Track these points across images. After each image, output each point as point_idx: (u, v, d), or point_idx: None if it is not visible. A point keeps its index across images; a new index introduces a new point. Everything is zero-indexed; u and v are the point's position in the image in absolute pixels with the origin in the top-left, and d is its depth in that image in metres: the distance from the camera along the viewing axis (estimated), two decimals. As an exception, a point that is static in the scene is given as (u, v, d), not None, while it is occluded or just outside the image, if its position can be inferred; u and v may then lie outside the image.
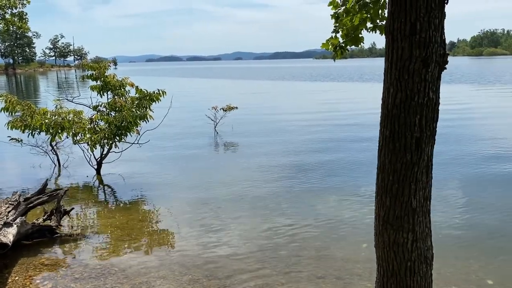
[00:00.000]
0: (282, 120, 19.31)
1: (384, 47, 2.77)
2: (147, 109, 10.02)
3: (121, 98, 10.03)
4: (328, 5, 3.95)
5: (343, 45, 4.02)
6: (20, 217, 6.24)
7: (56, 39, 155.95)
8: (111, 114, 9.95)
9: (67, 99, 10.84)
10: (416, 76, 2.62)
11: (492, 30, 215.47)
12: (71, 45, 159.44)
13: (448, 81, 38.48)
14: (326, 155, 12.03)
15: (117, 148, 10.18)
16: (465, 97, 27.86)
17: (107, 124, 9.76)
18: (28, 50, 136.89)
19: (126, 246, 6.35)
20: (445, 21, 2.65)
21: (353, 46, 4.07)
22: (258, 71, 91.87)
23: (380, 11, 3.74)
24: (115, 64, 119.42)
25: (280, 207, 7.89)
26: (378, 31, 3.83)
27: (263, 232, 6.75)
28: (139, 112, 9.86)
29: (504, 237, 6.49)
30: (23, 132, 9.81)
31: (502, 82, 40.00)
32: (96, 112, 10.13)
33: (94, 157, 10.33)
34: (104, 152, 10.34)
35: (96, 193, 9.37)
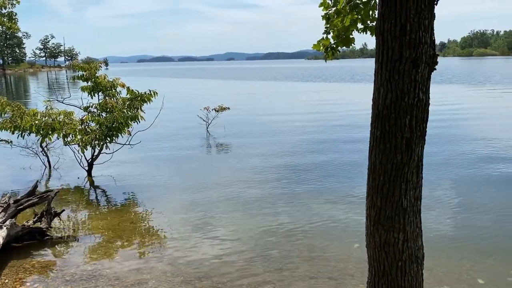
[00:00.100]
0: (275, 120, 19.33)
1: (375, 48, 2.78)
2: (139, 110, 9.98)
3: (112, 99, 9.98)
4: (319, 6, 3.95)
5: (334, 46, 4.02)
6: (10, 219, 6.18)
7: (46, 39, 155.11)
8: (102, 115, 9.88)
9: (57, 100, 10.77)
10: (406, 76, 2.64)
11: (482, 31, 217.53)
12: (61, 45, 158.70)
13: (439, 81, 38.80)
14: (318, 156, 12.06)
15: (108, 149, 10.13)
16: (456, 97, 28.09)
17: (98, 125, 9.70)
18: (18, 51, 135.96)
19: (117, 248, 6.32)
20: (435, 22, 2.67)
21: (344, 47, 4.08)
22: (250, 72, 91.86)
23: (370, 12, 3.76)
24: (106, 64, 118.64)
25: (273, 207, 7.90)
26: (369, 32, 3.85)
27: (256, 232, 6.75)
28: (130, 113, 9.82)
29: (497, 237, 6.54)
30: (13, 133, 9.72)
31: (492, 82, 40.39)
32: (87, 113, 10.07)
33: (85, 159, 10.28)
34: (95, 154, 10.29)
35: (87, 195, 9.30)
